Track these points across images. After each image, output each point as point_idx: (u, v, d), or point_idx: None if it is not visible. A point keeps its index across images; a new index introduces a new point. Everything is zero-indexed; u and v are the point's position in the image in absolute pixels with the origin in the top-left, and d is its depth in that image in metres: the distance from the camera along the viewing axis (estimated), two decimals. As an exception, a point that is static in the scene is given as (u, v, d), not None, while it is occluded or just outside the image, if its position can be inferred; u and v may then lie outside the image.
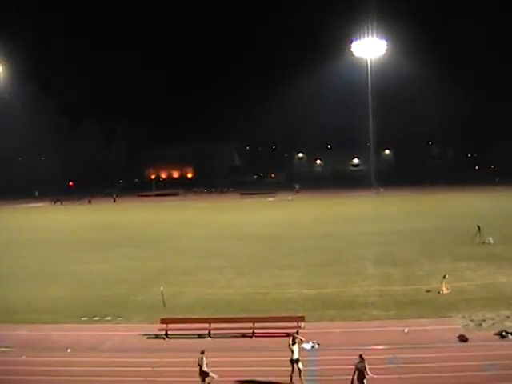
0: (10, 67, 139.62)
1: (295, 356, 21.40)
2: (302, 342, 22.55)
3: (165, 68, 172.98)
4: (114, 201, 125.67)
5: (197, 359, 21.43)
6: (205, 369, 21.30)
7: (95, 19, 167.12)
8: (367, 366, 19.75)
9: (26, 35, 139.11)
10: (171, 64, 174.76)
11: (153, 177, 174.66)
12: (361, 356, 19.99)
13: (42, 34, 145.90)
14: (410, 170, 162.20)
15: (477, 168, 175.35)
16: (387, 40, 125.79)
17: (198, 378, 21.28)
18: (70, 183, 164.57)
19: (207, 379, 21.39)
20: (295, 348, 21.54)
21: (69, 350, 25.94)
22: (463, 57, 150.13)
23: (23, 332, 29.07)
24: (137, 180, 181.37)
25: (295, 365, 21.34)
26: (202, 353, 21.58)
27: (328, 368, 22.66)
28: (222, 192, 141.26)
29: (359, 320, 29.01)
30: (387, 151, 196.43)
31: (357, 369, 19.83)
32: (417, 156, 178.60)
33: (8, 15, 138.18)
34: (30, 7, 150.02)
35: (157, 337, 27.49)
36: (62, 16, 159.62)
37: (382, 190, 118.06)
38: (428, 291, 33.39)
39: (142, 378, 22.39)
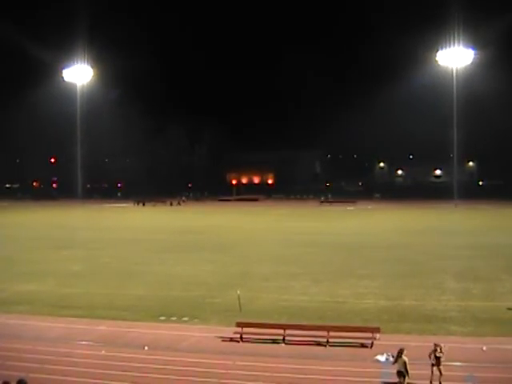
0: (100, 71, 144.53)
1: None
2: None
3: (253, 78, 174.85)
4: (179, 203, 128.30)
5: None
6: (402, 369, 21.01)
7: (182, 26, 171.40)
8: None
9: (115, 40, 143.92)
10: (259, 74, 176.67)
11: (234, 182, 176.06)
12: None
13: (131, 40, 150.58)
14: (495, 183, 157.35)
15: None
16: (474, 49, 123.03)
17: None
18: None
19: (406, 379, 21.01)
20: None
21: (146, 348, 26.53)
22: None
23: (103, 327, 29.98)
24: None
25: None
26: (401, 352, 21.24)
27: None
28: (301, 199, 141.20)
29: (436, 335, 28.38)
30: (471, 163, 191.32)
31: None
32: (502, 169, 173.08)
33: (98, 22, 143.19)
34: (118, 15, 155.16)
35: (232, 340, 27.77)
36: (149, 23, 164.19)
37: (457, 202, 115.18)
38: (509, 309, 32.33)
39: (216, 380, 22.66)
